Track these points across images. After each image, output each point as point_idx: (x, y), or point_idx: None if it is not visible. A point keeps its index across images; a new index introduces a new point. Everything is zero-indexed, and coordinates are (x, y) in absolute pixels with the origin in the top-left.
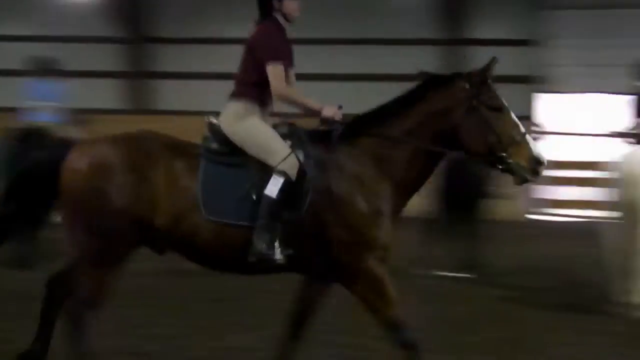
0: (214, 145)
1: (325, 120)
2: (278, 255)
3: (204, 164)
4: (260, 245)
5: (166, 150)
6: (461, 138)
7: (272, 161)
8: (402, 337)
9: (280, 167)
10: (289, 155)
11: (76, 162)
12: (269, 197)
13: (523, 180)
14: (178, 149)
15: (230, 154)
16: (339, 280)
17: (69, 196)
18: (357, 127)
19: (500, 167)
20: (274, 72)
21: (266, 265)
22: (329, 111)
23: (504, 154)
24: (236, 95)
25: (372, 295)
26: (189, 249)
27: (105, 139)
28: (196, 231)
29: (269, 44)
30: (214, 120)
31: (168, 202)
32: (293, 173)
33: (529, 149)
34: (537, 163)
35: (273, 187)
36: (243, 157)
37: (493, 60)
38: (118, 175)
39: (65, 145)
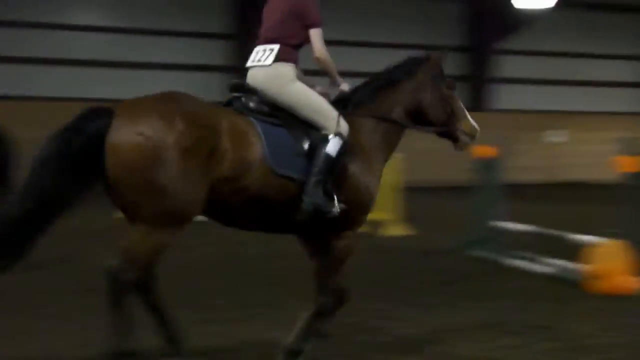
0: (253, 105)
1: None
2: (336, 207)
3: (258, 123)
4: (318, 198)
5: (219, 109)
6: (426, 112)
7: (329, 124)
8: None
9: (338, 129)
10: (340, 118)
11: (132, 132)
12: (329, 156)
13: (466, 146)
14: (222, 108)
15: (270, 114)
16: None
17: (131, 167)
18: (357, 101)
19: (452, 136)
20: (319, 35)
21: (316, 218)
22: (346, 86)
23: (457, 125)
24: (281, 58)
25: (346, 255)
26: (248, 204)
27: (154, 101)
28: (263, 184)
29: (314, 10)
30: (254, 81)
31: (237, 155)
32: (347, 135)
33: (471, 121)
34: (475, 131)
35: (333, 147)
36: (288, 117)
37: (446, 48)
38: (178, 138)
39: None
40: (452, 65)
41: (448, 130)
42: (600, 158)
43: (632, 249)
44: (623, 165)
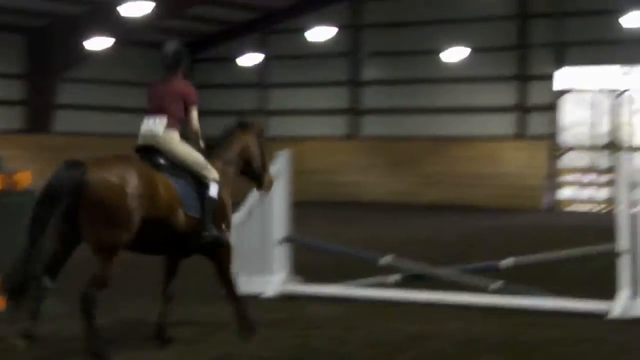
0: (162, 162)
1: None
2: (227, 235)
3: (171, 177)
4: (214, 231)
5: (148, 166)
6: (250, 162)
7: (208, 173)
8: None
9: (213, 176)
10: (210, 166)
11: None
12: (213, 198)
13: (266, 190)
14: (147, 166)
15: (173, 169)
16: (208, 252)
17: (99, 202)
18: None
19: (258, 181)
20: (195, 114)
21: (209, 245)
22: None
23: (263, 173)
24: (171, 126)
25: (227, 259)
26: (165, 236)
27: (111, 160)
28: (180, 222)
29: (193, 94)
30: (156, 144)
31: (165, 201)
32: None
33: (270, 172)
34: (272, 180)
35: (214, 191)
36: (183, 171)
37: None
38: (135, 186)
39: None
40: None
41: (258, 176)
42: None
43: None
44: None
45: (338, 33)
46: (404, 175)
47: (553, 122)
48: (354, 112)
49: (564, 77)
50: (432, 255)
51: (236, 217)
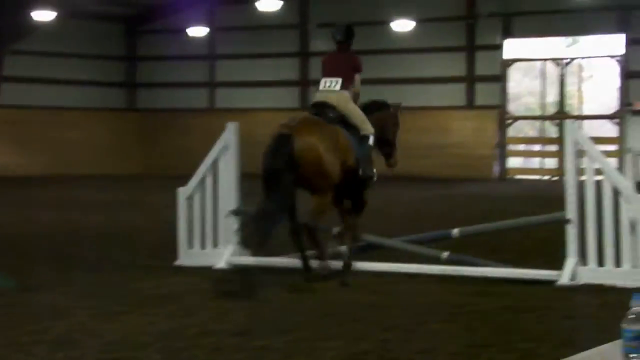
0: (332, 115)
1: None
2: (375, 175)
3: (342, 128)
4: (369, 170)
5: (330, 123)
6: (385, 134)
7: (368, 126)
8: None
9: (371, 130)
10: (368, 123)
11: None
12: (370, 146)
13: (392, 166)
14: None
15: (342, 122)
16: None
17: (310, 163)
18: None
19: (388, 155)
20: (358, 79)
21: (361, 185)
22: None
23: (393, 151)
24: (344, 87)
25: (365, 201)
26: (345, 177)
27: (309, 125)
28: (353, 162)
29: (359, 63)
30: (329, 100)
31: (347, 148)
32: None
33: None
34: (397, 161)
35: (371, 140)
36: (348, 123)
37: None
38: (333, 142)
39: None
40: None
41: (390, 152)
42: None
43: None
44: None
45: (287, 4)
46: None
47: (502, 92)
48: (303, 83)
49: (512, 47)
50: (382, 225)
51: (187, 189)
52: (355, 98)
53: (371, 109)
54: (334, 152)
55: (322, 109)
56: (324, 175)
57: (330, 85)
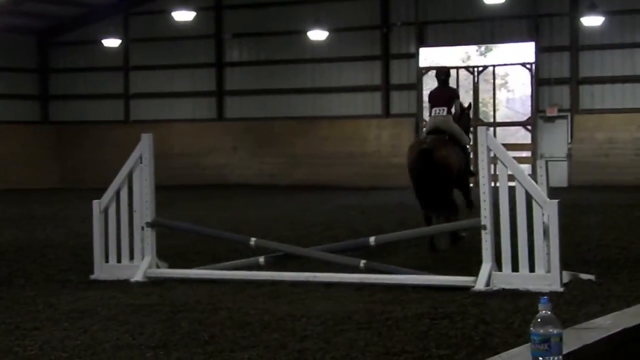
0: (444, 135)
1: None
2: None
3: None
4: (469, 170)
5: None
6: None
7: (466, 140)
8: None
9: (469, 142)
10: (466, 137)
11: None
12: (468, 152)
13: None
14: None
15: (450, 137)
16: (460, 185)
17: (444, 170)
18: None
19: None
20: (458, 102)
21: (466, 179)
22: None
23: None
24: (449, 113)
25: (470, 186)
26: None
27: (439, 144)
28: (462, 166)
29: (456, 94)
30: (441, 125)
31: (460, 157)
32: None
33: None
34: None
35: (469, 151)
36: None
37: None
38: (455, 155)
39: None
40: None
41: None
42: None
43: None
44: None
45: (201, 15)
46: (270, 157)
47: (417, 100)
48: (219, 94)
49: (426, 55)
50: (299, 235)
51: (102, 202)
52: (456, 118)
53: (462, 118)
54: (456, 159)
55: (437, 132)
56: (452, 173)
57: (439, 113)
